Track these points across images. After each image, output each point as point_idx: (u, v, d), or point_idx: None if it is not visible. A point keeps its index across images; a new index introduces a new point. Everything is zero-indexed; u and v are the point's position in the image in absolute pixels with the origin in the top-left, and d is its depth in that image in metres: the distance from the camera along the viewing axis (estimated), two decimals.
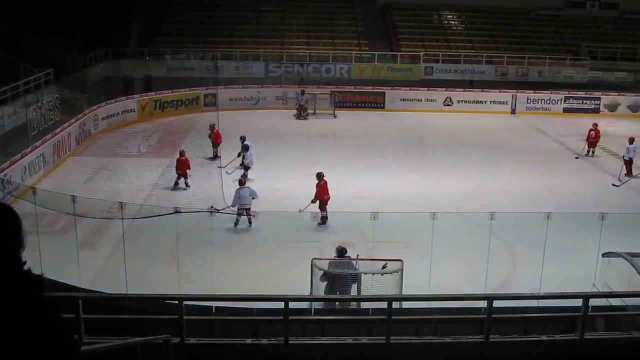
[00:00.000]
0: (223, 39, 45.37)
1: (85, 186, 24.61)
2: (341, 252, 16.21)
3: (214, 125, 29.30)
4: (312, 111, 40.07)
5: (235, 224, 21.46)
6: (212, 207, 23.80)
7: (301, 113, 39.59)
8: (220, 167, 27.11)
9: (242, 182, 22.83)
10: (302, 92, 40.01)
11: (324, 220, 21.81)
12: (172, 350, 9.74)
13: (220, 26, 46.83)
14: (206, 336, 10.95)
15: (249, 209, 21.66)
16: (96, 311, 10.82)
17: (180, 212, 17.18)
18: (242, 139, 27.96)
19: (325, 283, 15.17)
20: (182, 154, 25.88)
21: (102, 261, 18.47)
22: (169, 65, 42.56)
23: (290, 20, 48.36)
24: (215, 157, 29.39)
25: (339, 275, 15.18)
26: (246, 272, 17.24)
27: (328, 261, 15.65)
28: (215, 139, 29.60)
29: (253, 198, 22.04)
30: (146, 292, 13.74)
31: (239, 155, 27.73)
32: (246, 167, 26.71)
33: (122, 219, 17.30)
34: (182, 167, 25.56)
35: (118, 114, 35.77)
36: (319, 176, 22.45)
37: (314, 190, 22.15)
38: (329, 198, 22.13)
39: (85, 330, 9.77)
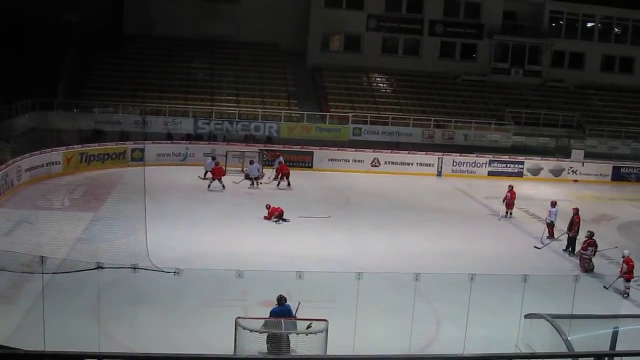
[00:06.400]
0: (152, 94, 45.21)
1: (6, 239, 23.97)
2: (280, 300, 16.13)
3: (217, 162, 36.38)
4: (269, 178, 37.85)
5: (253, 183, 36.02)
6: None
7: (254, 182, 36.58)
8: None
9: (252, 162, 36.56)
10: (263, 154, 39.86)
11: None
12: None
13: (150, 81, 46.67)
14: None
15: (257, 177, 36.11)
16: None
17: (102, 268, 16.82)
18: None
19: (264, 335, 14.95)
20: (217, 163, 35.70)
21: (20, 316, 17.89)
22: (96, 119, 42.15)
23: (220, 78, 48.56)
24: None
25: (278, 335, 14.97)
26: (169, 330, 16.94)
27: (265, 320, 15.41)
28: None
29: (258, 171, 36.32)
30: (65, 350, 13.35)
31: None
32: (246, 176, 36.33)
33: (43, 273, 16.85)
34: (218, 172, 35.07)
35: (43, 165, 34.90)
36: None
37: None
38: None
39: None
